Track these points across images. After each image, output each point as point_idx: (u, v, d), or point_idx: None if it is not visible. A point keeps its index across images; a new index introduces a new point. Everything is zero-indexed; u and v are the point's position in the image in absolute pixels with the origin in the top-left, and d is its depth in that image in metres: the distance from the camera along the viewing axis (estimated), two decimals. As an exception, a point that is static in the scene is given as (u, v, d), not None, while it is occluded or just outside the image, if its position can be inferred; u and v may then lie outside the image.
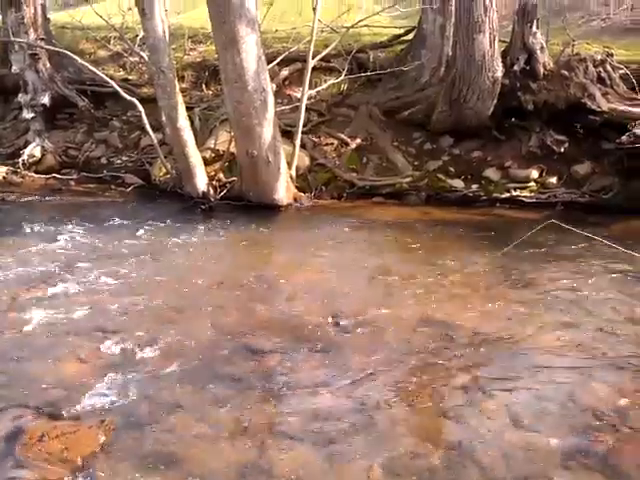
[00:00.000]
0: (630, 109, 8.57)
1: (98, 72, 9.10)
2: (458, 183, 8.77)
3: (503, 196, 8.51)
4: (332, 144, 9.57)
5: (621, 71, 9.10)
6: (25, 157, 10.04)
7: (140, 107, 8.62)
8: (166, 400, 4.00)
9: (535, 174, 8.62)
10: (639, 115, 8.42)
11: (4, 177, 9.70)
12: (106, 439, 3.59)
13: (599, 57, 8.94)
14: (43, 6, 11.00)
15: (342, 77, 9.41)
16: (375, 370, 4.35)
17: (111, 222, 7.71)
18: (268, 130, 7.86)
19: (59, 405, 3.89)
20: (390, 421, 3.79)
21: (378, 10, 10.37)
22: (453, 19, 9.19)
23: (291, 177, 8.53)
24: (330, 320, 5.08)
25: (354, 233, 7.48)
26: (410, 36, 10.78)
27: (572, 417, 3.82)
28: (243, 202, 8.37)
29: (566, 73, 8.67)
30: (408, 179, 8.89)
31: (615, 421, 3.75)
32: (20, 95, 10.49)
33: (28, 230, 7.43)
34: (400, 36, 11.18)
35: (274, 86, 8.88)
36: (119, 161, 10.13)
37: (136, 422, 3.77)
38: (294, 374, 4.31)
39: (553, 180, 8.54)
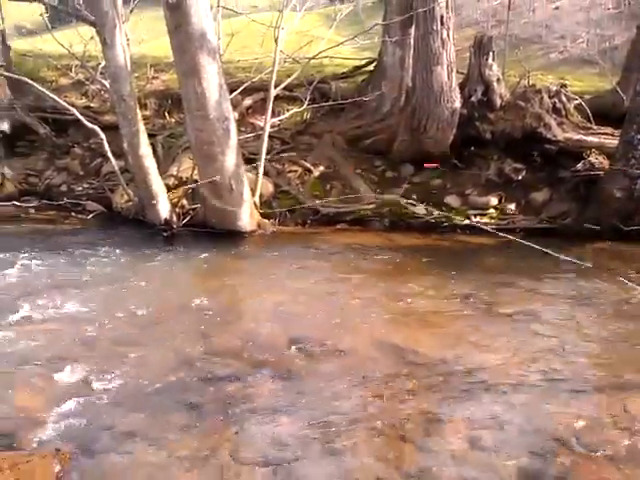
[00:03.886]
0: (585, 138, 8.85)
1: (59, 100, 9.02)
2: (420, 210, 8.86)
3: (464, 222, 8.63)
4: (296, 171, 9.64)
5: (576, 101, 9.39)
6: (-16, 184, 9.88)
7: (102, 134, 8.56)
8: (123, 428, 3.93)
9: (494, 201, 8.78)
10: (593, 144, 8.69)
11: (-37, 204, 9.51)
12: (61, 468, 3.51)
13: (554, 88, 9.22)
14: (3, 33, 10.93)
15: (305, 106, 9.50)
16: (336, 395, 4.34)
17: (71, 250, 7.58)
18: (231, 158, 7.89)
19: (12, 435, 3.80)
20: (351, 446, 3.78)
21: (339, 42, 10.53)
22: (412, 51, 9.41)
23: (255, 204, 8.54)
24: (291, 346, 5.07)
25: (317, 259, 7.49)
26: (371, 67, 10.98)
27: (530, 439, 3.86)
28: (206, 229, 8.33)
29: (522, 104, 8.91)
30: (371, 206, 8.96)
31: (571, 442, 3.81)
32: (-21, 122, 10.37)
33: (-15, 258, 7.27)
34: (361, 67, 11.40)
35: (237, 114, 8.92)
36: (80, 188, 10.01)
37: (92, 451, 3.70)
38: (254, 400, 4.27)
39: (512, 207, 8.70)
